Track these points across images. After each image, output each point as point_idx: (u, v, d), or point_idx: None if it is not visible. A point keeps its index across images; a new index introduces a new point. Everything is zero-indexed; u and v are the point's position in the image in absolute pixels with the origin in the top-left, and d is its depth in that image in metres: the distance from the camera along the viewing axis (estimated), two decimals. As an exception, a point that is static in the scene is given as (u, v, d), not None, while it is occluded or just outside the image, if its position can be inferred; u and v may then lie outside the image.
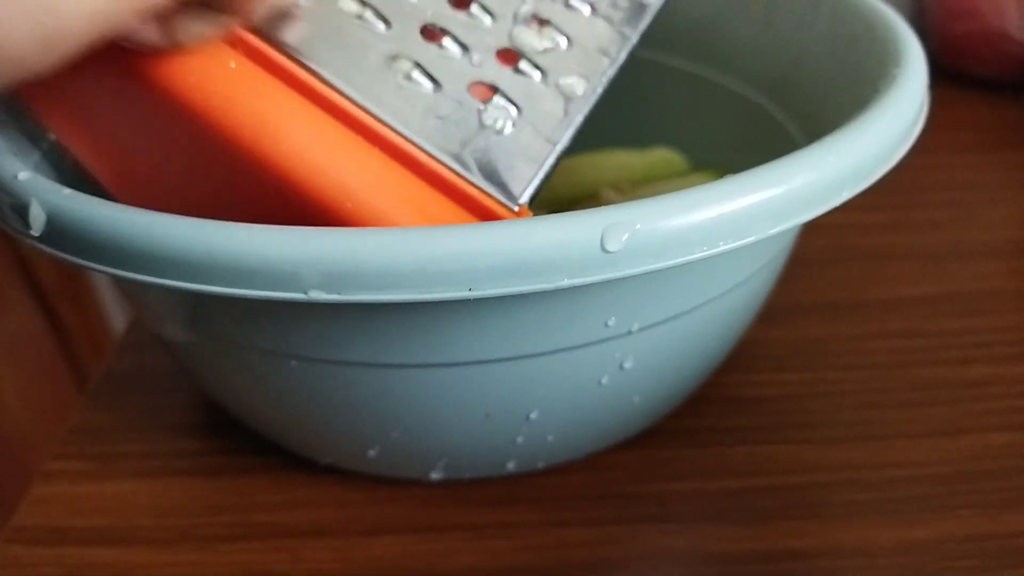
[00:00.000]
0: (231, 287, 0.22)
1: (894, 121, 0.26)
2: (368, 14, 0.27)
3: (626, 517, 0.30)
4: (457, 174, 0.26)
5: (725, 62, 0.39)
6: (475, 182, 0.26)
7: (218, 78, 0.25)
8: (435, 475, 0.31)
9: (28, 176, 0.24)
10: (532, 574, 0.29)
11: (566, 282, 0.21)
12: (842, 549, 0.29)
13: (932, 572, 0.28)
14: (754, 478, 0.31)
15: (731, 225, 0.22)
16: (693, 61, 0.40)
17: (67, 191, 0.24)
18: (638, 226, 0.21)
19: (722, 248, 0.22)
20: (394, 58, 0.27)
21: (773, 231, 0.23)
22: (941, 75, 0.56)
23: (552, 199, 0.35)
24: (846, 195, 0.24)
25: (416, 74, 0.26)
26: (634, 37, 0.28)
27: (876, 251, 0.42)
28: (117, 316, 0.76)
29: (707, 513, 0.30)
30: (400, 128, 0.26)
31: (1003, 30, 0.53)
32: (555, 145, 0.27)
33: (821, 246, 0.42)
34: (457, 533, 0.30)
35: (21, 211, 0.24)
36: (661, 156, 0.40)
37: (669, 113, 0.40)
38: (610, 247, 0.21)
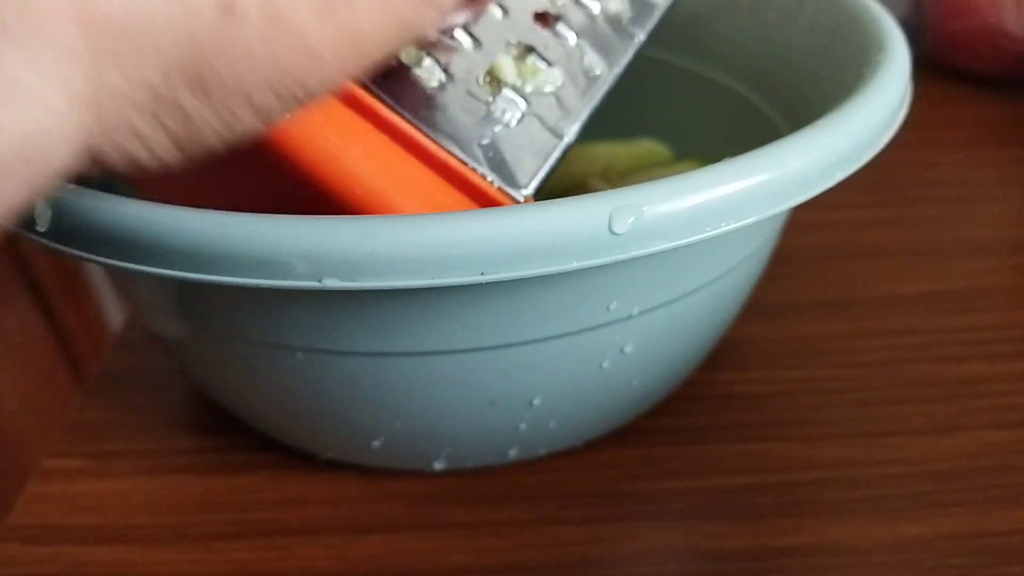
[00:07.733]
0: (244, 278, 0.22)
1: (881, 105, 0.27)
2: None
3: (620, 515, 0.30)
4: (464, 164, 0.26)
5: (710, 54, 0.39)
6: (482, 172, 0.26)
7: None
8: (438, 465, 0.31)
9: None
10: (526, 572, 0.29)
11: (575, 264, 0.22)
12: (836, 546, 0.29)
13: (926, 569, 0.28)
14: (748, 475, 0.31)
15: (732, 206, 0.23)
16: (677, 53, 0.40)
17: (71, 185, 0.23)
18: (644, 208, 0.22)
19: (723, 229, 0.23)
20: (408, 48, 0.27)
21: (772, 211, 0.24)
22: (938, 72, 0.56)
23: (543, 190, 0.36)
24: (840, 176, 0.25)
25: (428, 63, 0.27)
26: (641, 36, 0.29)
27: (871, 248, 0.42)
28: (115, 314, 0.76)
29: (701, 511, 0.30)
30: (408, 116, 0.26)
31: (1000, 27, 0.53)
32: (561, 139, 0.27)
33: (816, 243, 0.42)
34: (452, 531, 0.30)
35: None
36: (646, 147, 0.40)
37: (652, 104, 0.40)
38: (617, 229, 0.22)
